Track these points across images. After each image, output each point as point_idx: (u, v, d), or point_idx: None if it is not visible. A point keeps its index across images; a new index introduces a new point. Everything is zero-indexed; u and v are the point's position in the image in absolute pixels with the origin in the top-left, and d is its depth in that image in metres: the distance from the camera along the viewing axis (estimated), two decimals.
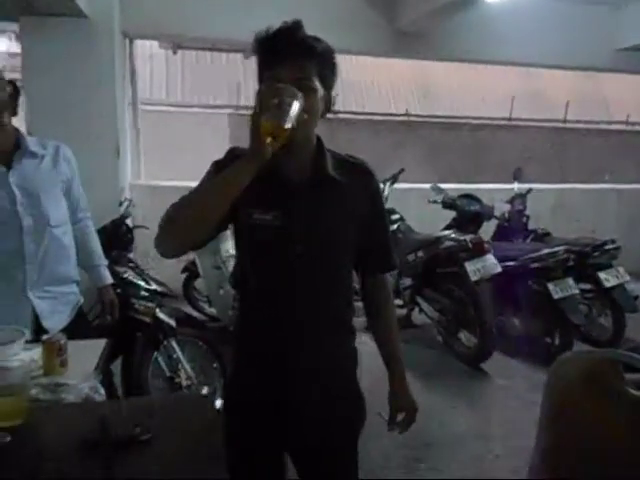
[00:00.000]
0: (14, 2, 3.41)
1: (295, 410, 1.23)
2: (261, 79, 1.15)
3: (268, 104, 0.99)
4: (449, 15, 4.37)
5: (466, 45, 5.02)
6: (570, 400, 0.68)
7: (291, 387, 1.22)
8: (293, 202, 1.16)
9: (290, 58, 1.09)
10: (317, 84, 1.12)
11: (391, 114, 10.27)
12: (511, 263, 3.75)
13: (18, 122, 1.82)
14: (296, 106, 1.00)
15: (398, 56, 5.93)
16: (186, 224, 1.07)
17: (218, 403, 2.69)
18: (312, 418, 1.24)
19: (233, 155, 1.14)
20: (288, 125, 0.98)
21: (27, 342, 1.62)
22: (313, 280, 1.20)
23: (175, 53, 6.46)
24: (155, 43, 6.60)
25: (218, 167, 1.14)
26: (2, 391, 1.08)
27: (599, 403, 0.65)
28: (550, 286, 3.47)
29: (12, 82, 1.75)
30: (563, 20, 5.11)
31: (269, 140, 0.98)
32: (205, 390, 2.73)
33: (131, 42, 4.56)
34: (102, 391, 1.43)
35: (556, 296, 3.45)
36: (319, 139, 1.22)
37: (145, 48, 7.71)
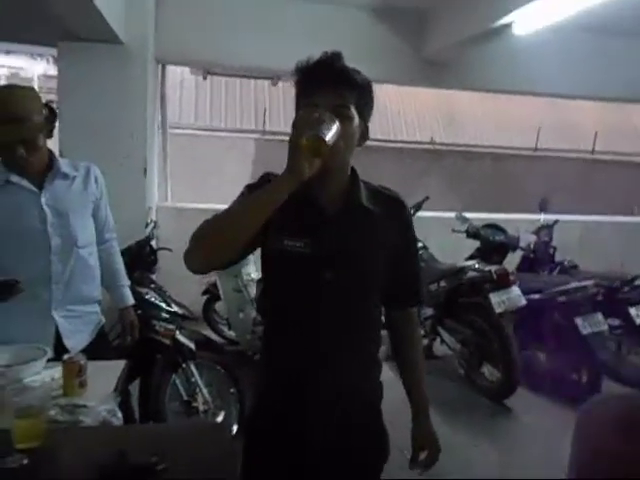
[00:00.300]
0: (54, 29, 3.55)
1: (316, 443, 1.20)
2: (299, 107, 1.16)
3: (307, 123, 1.00)
4: (476, 45, 4.38)
5: (492, 75, 5.02)
6: (606, 447, 0.64)
7: (312, 420, 1.19)
8: (324, 230, 1.15)
9: (329, 86, 1.10)
10: (354, 113, 1.13)
11: (416, 142, 10.29)
12: (537, 296, 3.66)
13: (51, 142, 1.86)
14: (334, 128, 1.02)
15: (424, 85, 5.95)
16: (217, 240, 1.07)
17: (234, 428, 2.67)
18: (334, 452, 1.21)
19: (266, 180, 1.15)
20: (327, 138, 0.99)
21: (48, 360, 1.63)
22: (339, 310, 1.18)
23: (205, 79, 6.62)
24: (186, 69, 6.78)
25: (250, 191, 1.14)
26: (21, 412, 1.08)
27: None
28: (578, 321, 3.37)
29: (49, 105, 1.79)
30: (591, 51, 5.08)
31: (308, 157, 1.00)
32: (221, 416, 2.70)
33: (163, 68, 4.69)
34: (119, 414, 1.42)
35: (584, 332, 3.34)
36: (353, 169, 1.22)
37: (176, 74, 7.95)
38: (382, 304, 1.32)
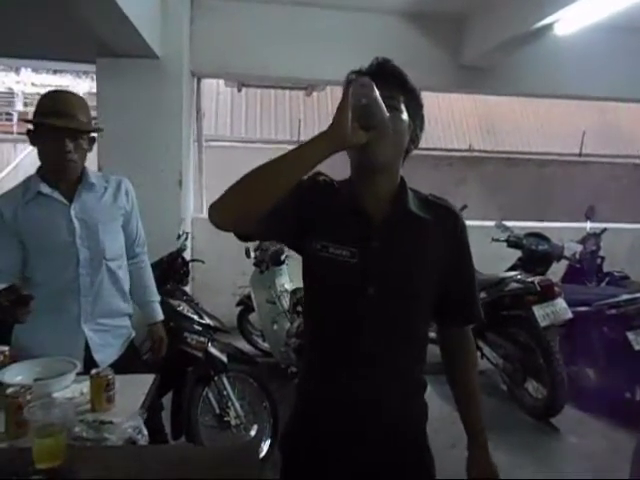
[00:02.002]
0: (93, 46, 3.65)
1: (358, 465, 1.13)
2: None
3: (363, 93, 0.99)
4: (516, 49, 4.24)
5: (533, 79, 4.84)
6: None
7: (352, 441, 1.12)
8: (372, 240, 1.09)
9: (381, 81, 1.05)
10: (404, 109, 1.10)
11: (454, 149, 10.10)
12: (584, 308, 3.47)
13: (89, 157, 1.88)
14: (385, 113, 1.00)
15: (462, 91, 5.83)
16: (249, 189, 1.01)
17: (266, 445, 2.62)
18: (376, 475, 1.14)
19: (316, 176, 1.13)
20: (377, 114, 0.99)
21: (78, 374, 1.63)
22: (383, 325, 1.11)
23: (240, 91, 6.69)
24: (221, 82, 6.88)
25: (300, 185, 1.07)
26: (42, 431, 1.05)
27: None
28: (630, 336, 3.16)
29: (95, 120, 1.84)
30: (637, 51, 4.85)
31: (354, 124, 0.98)
32: (254, 430, 2.66)
33: (199, 81, 4.74)
34: (145, 432, 1.39)
35: (637, 347, 3.14)
36: (402, 178, 1.16)
37: (212, 86, 8.08)
38: (435, 321, 1.24)
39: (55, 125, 1.64)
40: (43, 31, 3.94)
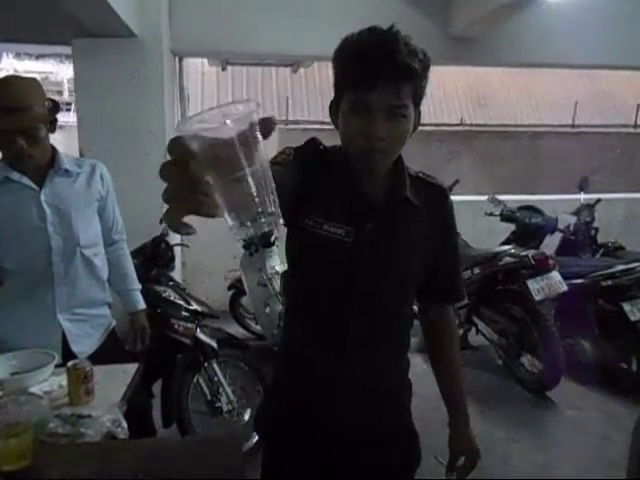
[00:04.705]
0: (68, 26, 3.50)
1: (341, 445, 1.11)
2: (340, 97, 1.01)
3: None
4: (506, 17, 4.12)
5: (524, 49, 4.73)
6: None
7: (336, 418, 1.09)
8: (367, 221, 1.04)
9: (387, 83, 0.93)
10: (411, 110, 0.98)
11: (445, 124, 9.98)
12: (579, 281, 3.43)
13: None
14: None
15: (452, 64, 5.69)
16: None
17: None
18: (360, 455, 1.12)
19: (314, 145, 1.05)
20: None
21: (57, 366, 1.57)
22: (371, 305, 1.07)
23: (224, 70, 6.53)
24: (205, 61, 6.71)
25: (296, 155, 1.01)
26: (6, 430, 0.99)
27: None
28: (626, 306, 3.13)
29: (52, 99, 1.73)
30: (631, 17, 4.73)
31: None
32: (248, 414, 2.62)
33: (180, 60, 4.60)
34: (124, 424, 1.33)
35: (633, 317, 3.11)
36: (400, 158, 1.09)
37: (197, 67, 7.90)
38: (417, 299, 1.22)
39: (3, 128, 1.54)
40: (18, 13, 3.79)
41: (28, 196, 1.66)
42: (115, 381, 1.59)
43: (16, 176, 1.65)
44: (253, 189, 0.50)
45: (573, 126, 10.23)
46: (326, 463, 1.13)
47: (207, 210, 0.48)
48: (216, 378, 2.51)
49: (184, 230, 0.51)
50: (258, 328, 3.97)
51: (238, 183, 0.49)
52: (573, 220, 4.20)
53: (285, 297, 1.23)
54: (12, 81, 1.63)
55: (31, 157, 1.61)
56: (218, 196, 0.49)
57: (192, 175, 0.47)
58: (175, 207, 0.49)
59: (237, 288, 4.09)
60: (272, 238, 3.55)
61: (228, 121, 0.47)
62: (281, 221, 0.53)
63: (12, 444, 0.99)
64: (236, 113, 0.49)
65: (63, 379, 1.51)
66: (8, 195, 1.64)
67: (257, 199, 0.50)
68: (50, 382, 1.53)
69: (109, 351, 1.80)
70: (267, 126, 0.51)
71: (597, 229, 4.28)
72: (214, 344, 2.52)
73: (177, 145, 0.47)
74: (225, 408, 2.50)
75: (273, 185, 0.52)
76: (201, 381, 2.51)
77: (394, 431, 1.16)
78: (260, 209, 0.51)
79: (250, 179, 0.49)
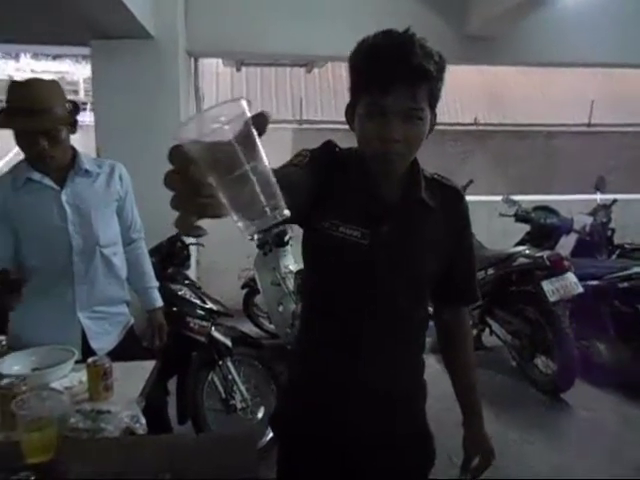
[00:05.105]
0: (85, 28, 3.56)
1: (356, 444, 1.12)
2: (356, 100, 1.01)
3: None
4: (522, 16, 4.09)
5: (541, 48, 4.69)
6: None
7: (351, 419, 1.10)
8: (383, 224, 1.05)
9: (402, 86, 0.94)
10: (427, 113, 0.99)
11: (459, 123, 9.92)
12: (594, 282, 3.40)
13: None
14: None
15: (469, 63, 5.66)
16: None
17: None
18: (375, 456, 1.12)
19: (330, 148, 1.07)
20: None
21: (77, 363, 1.60)
22: (386, 307, 1.08)
23: (239, 70, 6.56)
24: (220, 61, 6.75)
25: (313, 156, 1.02)
26: (30, 425, 1.02)
27: None
28: None
29: (72, 100, 1.76)
30: None
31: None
32: (261, 412, 2.65)
33: (196, 61, 4.64)
34: (143, 420, 1.36)
35: None
36: (415, 160, 1.10)
37: (211, 67, 7.95)
38: (432, 300, 1.22)
39: (26, 129, 1.58)
40: (38, 15, 3.85)
41: (49, 196, 1.70)
42: (133, 378, 1.62)
43: (38, 176, 1.69)
44: (255, 185, 0.51)
45: (589, 125, 10.10)
46: (341, 465, 1.13)
47: (212, 211, 0.51)
48: (230, 376, 2.54)
49: (194, 233, 0.54)
50: (271, 327, 3.99)
51: (240, 181, 0.50)
52: (589, 221, 4.16)
53: (300, 297, 1.24)
54: (34, 83, 1.66)
55: (52, 158, 1.65)
56: (222, 196, 0.51)
57: (194, 180, 0.49)
58: (183, 212, 0.51)
59: (251, 287, 4.12)
60: (286, 238, 3.57)
61: (226, 127, 0.49)
62: (286, 212, 0.54)
63: (36, 438, 1.01)
64: (229, 114, 0.50)
65: (83, 375, 1.54)
66: (30, 195, 1.68)
67: (261, 195, 0.52)
68: (70, 378, 1.57)
69: (127, 348, 1.84)
70: (261, 122, 0.53)
71: (613, 230, 4.23)
72: (229, 342, 2.54)
73: (176, 153, 0.49)
74: (239, 406, 2.52)
75: (274, 179, 0.54)
76: (215, 379, 2.54)
77: (409, 433, 1.17)
78: (265, 203, 0.52)
79: (251, 175, 0.51)
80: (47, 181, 1.70)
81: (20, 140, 1.63)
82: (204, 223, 0.54)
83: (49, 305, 1.69)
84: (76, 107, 1.76)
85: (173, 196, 0.51)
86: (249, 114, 0.52)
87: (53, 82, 1.73)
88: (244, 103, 0.52)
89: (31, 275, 1.64)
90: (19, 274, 1.48)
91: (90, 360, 1.49)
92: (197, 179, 0.49)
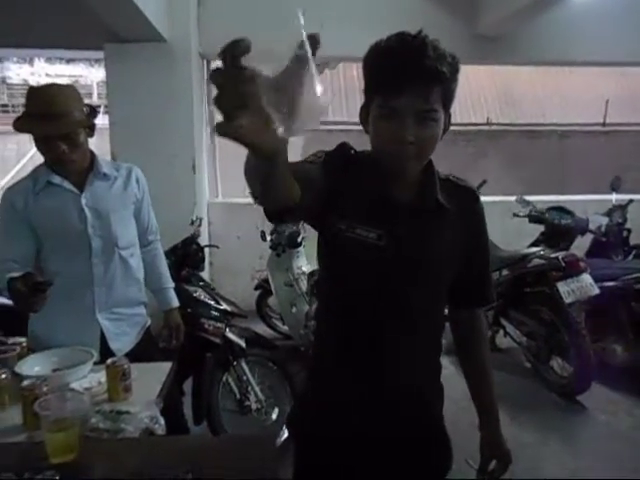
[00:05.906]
0: (99, 32, 3.60)
1: (373, 448, 1.11)
2: (370, 101, 1.02)
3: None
4: (534, 15, 4.07)
5: (553, 46, 4.66)
6: None
7: (369, 423, 1.10)
8: (399, 225, 1.05)
9: (415, 88, 0.94)
10: (441, 114, 0.99)
11: (471, 123, 9.86)
12: (610, 283, 3.36)
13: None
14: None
15: (481, 63, 5.64)
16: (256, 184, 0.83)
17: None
18: (392, 459, 1.12)
19: (345, 150, 1.07)
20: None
21: (95, 364, 1.62)
22: (405, 306, 1.08)
23: None
24: None
25: (328, 158, 1.04)
26: (54, 425, 1.03)
27: None
28: None
29: (90, 104, 1.79)
30: None
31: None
32: (275, 413, 2.66)
33: (208, 63, 4.67)
34: (162, 421, 1.38)
35: None
36: (430, 161, 1.10)
37: None
38: (447, 302, 1.22)
39: (45, 134, 1.61)
40: (52, 19, 3.91)
41: (69, 199, 1.72)
42: (151, 379, 1.63)
43: (58, 180, 1.72)
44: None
45: (604, 125, 9.99)
46: (358, 467, 1.13)
47: (254, 103, 0.58)
48: (245, 377, 2.55)
49: (233, 134, 0.59)
50: (285, 328, 4.01)
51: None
52: (604, 221, 4.11)
53: (313, 299, 1.24)
54: (52, 89, 1.69)
55: (72, 161, 1.68)
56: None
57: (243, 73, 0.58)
58: (226, 109, 0.58)
59: (264, 288, 4.13)
60: (299, 239, 3.58)
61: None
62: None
63: (60, 438, 1.03)
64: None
65: (102, 376, 1.56)
66: (50, 198, 1.71)
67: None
68: (89, 379, 1.59)
69: (145, 349, 1.86)
70: (313, 44, 0.65)
71: (629, 230, 4.18)
72: (243, 343, 2.56)
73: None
74: (254, 407, 2.54)
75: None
76: (230, 380, 2.56)
77: (426, 436, 1.17)
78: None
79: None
80: (67, 184, 1.73)
81: (40, 144, 1.65)
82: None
83: (69, 307, 1.71)
84: (93, 110, 1.79)
85: (217, 93, 0.58)
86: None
87: (70, 87, 1.76)
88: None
89: (53, 278, 1.66)
90: (44, 277, 1.50)
91: (109, 361, 1.51)
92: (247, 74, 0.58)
